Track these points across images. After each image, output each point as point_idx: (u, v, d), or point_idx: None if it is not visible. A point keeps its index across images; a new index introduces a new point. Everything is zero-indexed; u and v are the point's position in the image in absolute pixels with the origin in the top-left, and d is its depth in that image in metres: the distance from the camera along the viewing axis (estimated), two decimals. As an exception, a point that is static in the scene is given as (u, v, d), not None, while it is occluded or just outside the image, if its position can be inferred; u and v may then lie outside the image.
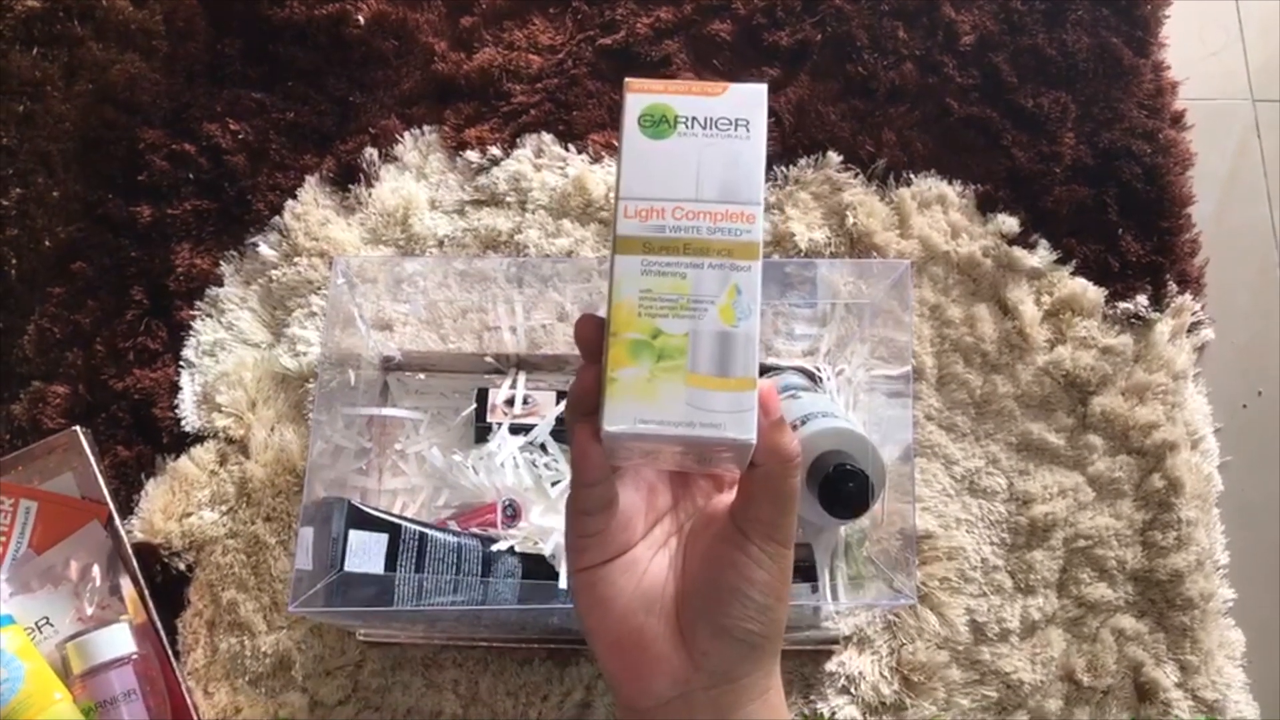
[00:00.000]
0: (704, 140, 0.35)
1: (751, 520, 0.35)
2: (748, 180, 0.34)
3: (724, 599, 0.36)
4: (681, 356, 0.33)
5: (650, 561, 0.38)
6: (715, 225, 0.34)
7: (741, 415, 0.33)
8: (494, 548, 0.69)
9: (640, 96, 0.35)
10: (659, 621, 0.36)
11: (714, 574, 0.36)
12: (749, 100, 0.35)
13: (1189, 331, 0.84)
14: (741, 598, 0.35)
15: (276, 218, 0.85)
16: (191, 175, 0.86)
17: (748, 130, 0.35)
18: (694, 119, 0.35)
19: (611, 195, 0.85)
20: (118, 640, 0.70)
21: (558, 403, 0.77)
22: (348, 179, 0.86)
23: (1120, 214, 0.86)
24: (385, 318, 0.78)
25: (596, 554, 0.37)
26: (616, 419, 0.33)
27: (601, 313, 0.35)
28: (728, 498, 0.38)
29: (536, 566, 0.69)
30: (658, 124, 0.35)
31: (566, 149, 0.87)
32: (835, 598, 0.73)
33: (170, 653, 0.74)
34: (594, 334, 0.34)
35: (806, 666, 0.75)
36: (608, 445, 0.34)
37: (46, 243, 0.85)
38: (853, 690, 0.74)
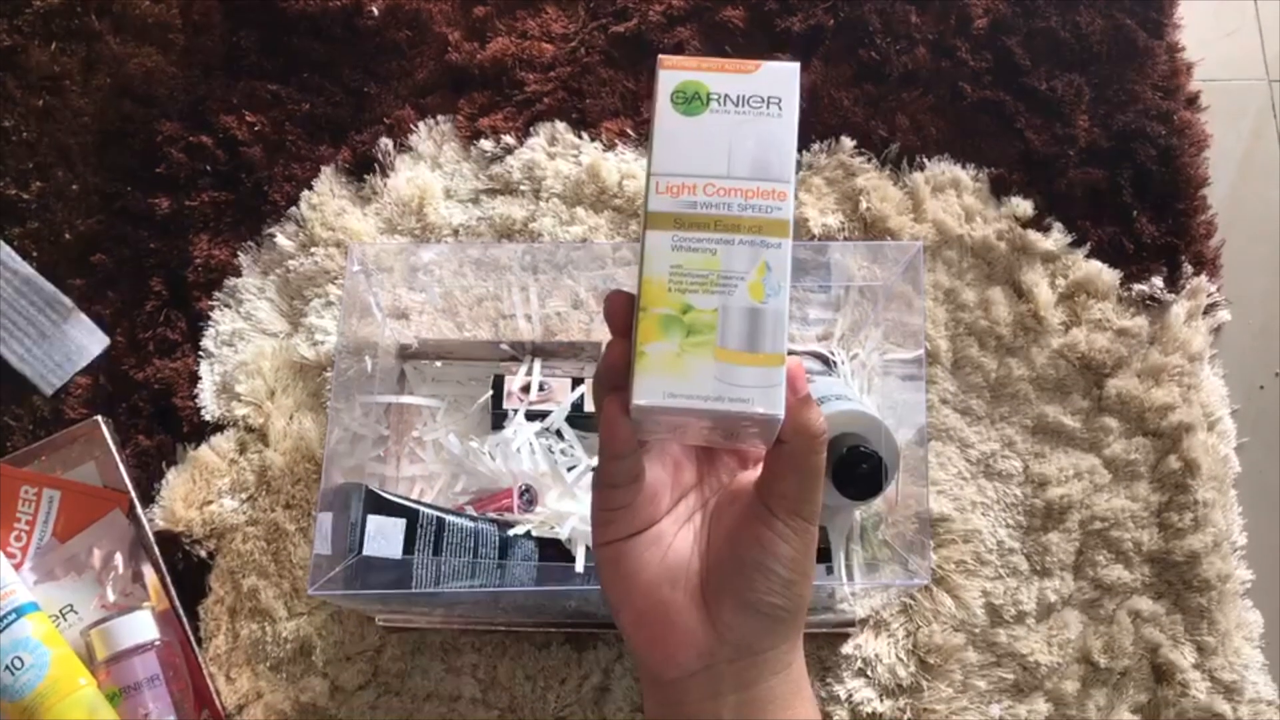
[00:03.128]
0: (736, 118, 0.35)
1: (777, 496, 0.36)
2: (779, 158, 0.35)
3: (748, 573, 0.36)
4: (711, 332, 0.33)
5: (675, 536, 0.38)
6: (746, 202, 0.34)
7: (770, 390, 0.33)
8: (511, 532, 0.69)
9: (673, 73, 0.35)
10: (683, 595, 0.37)
11: (739, 549, 0.36)
12: (781, 78, 0.35)
13: (1205, 313, 0.84)
14: (766, 572, 0.36)
15: (293, 208, 0.86)
16: (209, 167, 0.87)
17: (780, 108, 0.35)
18: (726, 96, 0.35)
19: (624, 182, 0.85)
20: (140, 627, 0.71)
21: (573, 389, 0.78)
22: (363, 169, 0.87)
23: (1135, 196, 0.86)
24: (401, 306, 0.78)
25: (622, 528, 0.37)
26: (646, 392, 0.33)
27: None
28: (752, 474, 0.38)
29: (553, 551, 0.70)
30: (690, 101, 0.35)
31: (580, 137, 0.88)
32: (850, 579, 0.73)
33: (192, 639, 0.74)
34: (623, 309, 0.35)
35: (823, 649, 0.75)
36: (636, 419, 0.34)
37: (67, 235, 0.86)
38: (869, 673, 0.75)
